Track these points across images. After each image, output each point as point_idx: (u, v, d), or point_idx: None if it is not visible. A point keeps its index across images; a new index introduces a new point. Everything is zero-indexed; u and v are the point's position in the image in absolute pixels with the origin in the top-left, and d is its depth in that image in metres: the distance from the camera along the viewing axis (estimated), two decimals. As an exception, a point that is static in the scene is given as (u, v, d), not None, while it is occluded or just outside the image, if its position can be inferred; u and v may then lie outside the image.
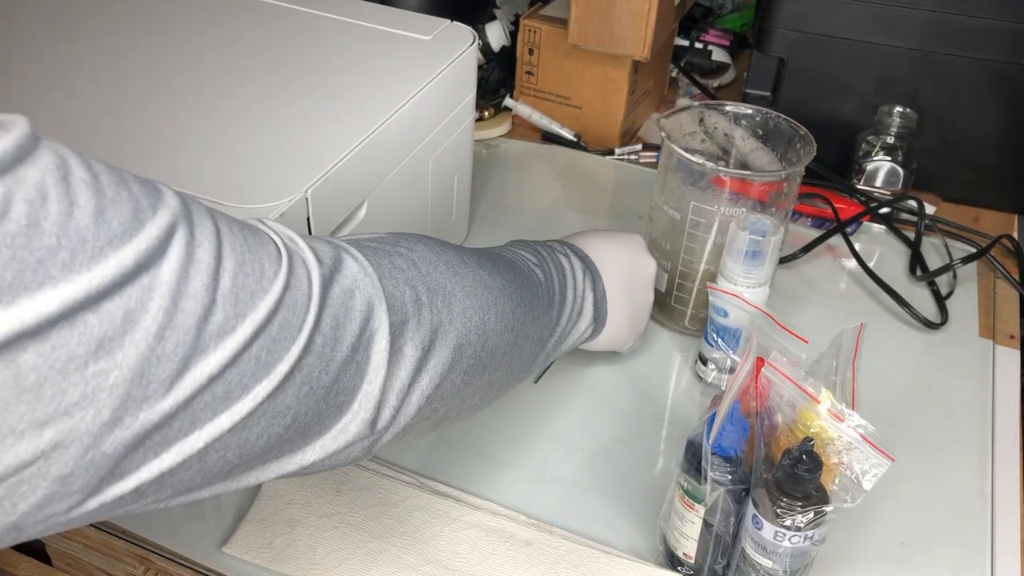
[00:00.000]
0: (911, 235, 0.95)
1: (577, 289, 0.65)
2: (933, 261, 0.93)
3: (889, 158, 0.97)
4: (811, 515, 0.54)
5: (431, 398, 0.47)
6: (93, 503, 0.33)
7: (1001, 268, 0.92)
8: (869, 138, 0.97)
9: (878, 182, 0.98)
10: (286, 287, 0.38)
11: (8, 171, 0.30)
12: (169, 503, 0.38)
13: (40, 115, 0.64)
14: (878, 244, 0.96)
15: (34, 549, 0.68)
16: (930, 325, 0.85)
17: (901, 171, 0.97)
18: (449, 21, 0.82)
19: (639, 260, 0.73)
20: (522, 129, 1.11)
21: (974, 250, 0.93)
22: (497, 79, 1.12)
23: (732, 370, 0.73)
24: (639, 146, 1.09)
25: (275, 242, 0.40)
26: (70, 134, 0.62)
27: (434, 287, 0.48)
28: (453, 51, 0.77)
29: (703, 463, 0.56)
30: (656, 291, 0.83)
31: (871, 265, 0.91)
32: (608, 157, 1.08)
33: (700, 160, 0.74)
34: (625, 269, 0.71)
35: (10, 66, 0.70)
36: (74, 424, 0.31)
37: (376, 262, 0.45)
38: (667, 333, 0.84)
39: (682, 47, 1.23)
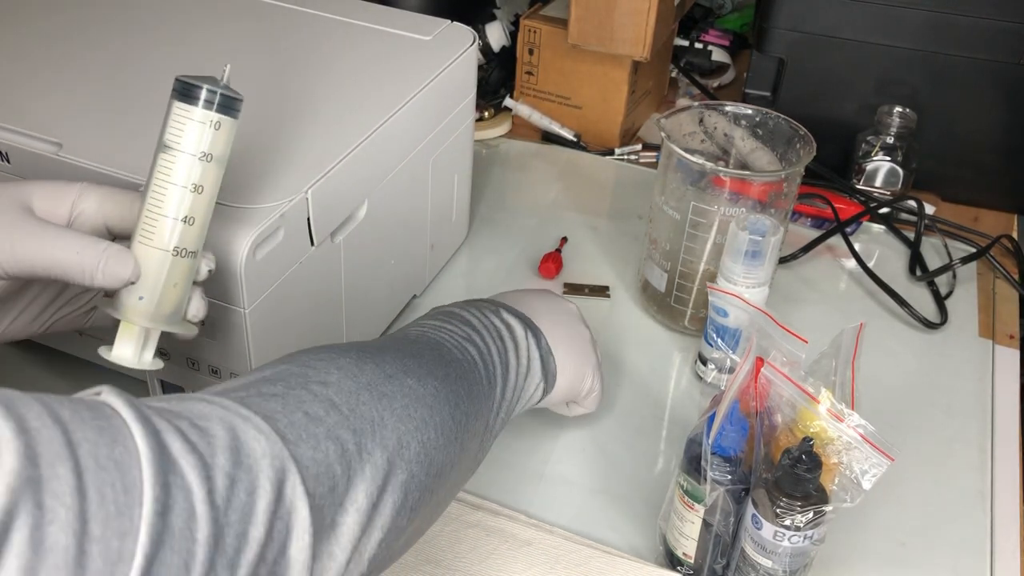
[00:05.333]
0: (911, 235, 0.95)
1: (520, 350, 0.60)
2: (933, 261, 0.93)
3: (889, 158, 0.97)
4: (811, 515, 0.54)
5: (375, 557, 0.42)
6: None
7: (1001, 268, 0.92)
8: (869, 138, 0.97)
9: (878, 182, 0.98)
10: (161, 538, 0.30)
11: None
12: None
13: (39, 114, 0.64)
14: (878, 244, 0.96)
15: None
16: (930, 325, 0.85)
17: (901, 171, 0.97)
18: (449, 21, 0.82)
19: (557, 303, 0.67)
20: (522, 129, 1.11)
21: (974, 250, 0.93)
22: (497, 79, 1.12)
23: (732, 370, 0.73)
24: (639, 146, 1.09)
25: (143, 458, 0.32)
26: (68, 134, 0.62)
27: (361, 427, 0.42)
28: (453, 51, 0.77)
29: (703, 463, 0.56)
30: (656, 291, 0.83)
31: (871, 265, 0.91)
32: (608, 157, 1.08)
33: (700, 160, 0.74)
34: (550, 311, 0.65)
35: (10, 65, 0.70)
36: None
37: (288, 423, 0.39)
38: (667, 333, 0.84)
39: (682, 47, 1.23)
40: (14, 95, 0.67)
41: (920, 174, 0.98)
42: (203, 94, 0.47)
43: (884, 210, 0.97)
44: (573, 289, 0.88)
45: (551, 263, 0.89)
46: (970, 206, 1.01)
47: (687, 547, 0.60)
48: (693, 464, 0.57)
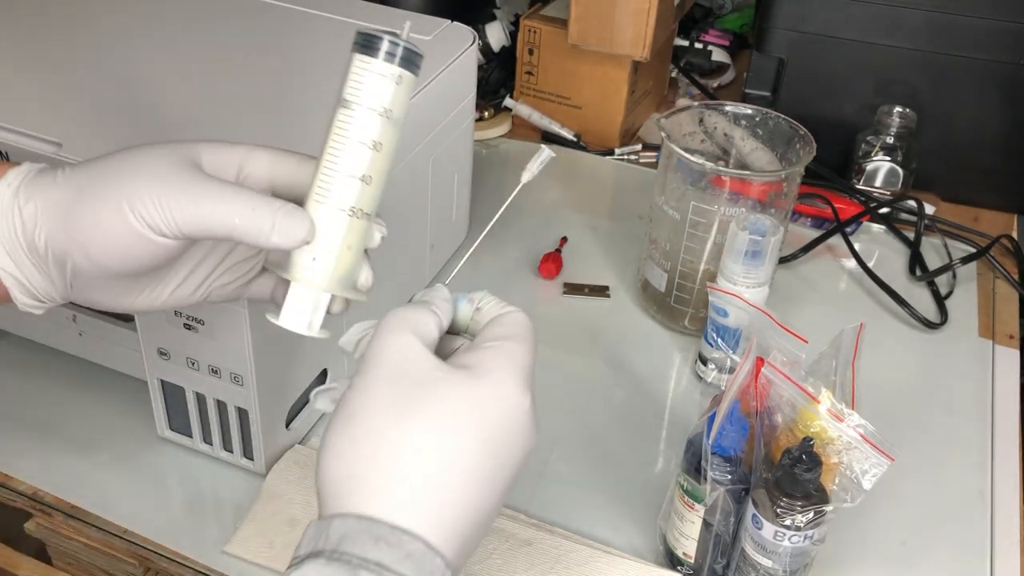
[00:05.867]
0: (911, 235, 0.95)
1: None
2: (933, 261, 0.93)
3: (889, 158, 0.97)
4: (811, 515, 0.54)
5: None
6: None
7: (1001, 268, 0.92)
8: (869, 138, 0.97)
9: (878, 182, 0.98)
10: None
11: None
12: None
13: (38, 114, 0.64)
14: (878, 244, 0.96)
15: (35, 549, 0.68)
16: (930, 325, 0.85)
17: (901, 171, 0.97)
18: (449, 21, 0.82)
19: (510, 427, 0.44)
20: (522, 129, 1.11)
21: (974, 250, 0.93)
22: (497, 79, 1.12)
23: (732, 370, 0.73)
24: (639, 146, 1.09)
25: None
26: (67, 133, 0.62)
27: None
28: (453, 51, 0.77)
29: (703, 463, 0.56)
30: (656, 291, 0.83)
31: (871, 265, 0.91)
32: (608, 157, 1.08)
33: (700, 160, 0.74)
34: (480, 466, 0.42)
35: (9, 65, 0.70)
36: None
37: None
38: (667, 333, 0.84)
39: (682, 47, 1.23)
40: (13, 95, 0.67)
41: (920, 174, 0.98)
42: (384, 45, 0.44)
43: (884, 210, 0.97)
44: (573, 289, 0.88)
45: (551, 263, 0.89)
46: (970, 206, 1.01)
47: (687, 547, 0.60)
48: (693, 464, 0.57)
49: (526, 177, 0.51)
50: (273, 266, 0.47)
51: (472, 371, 0.43)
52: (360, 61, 0.44)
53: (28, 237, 0.45)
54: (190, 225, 0.44)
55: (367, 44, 0.44)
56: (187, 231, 0.44)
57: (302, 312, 0.46)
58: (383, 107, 0.44)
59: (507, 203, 0.51)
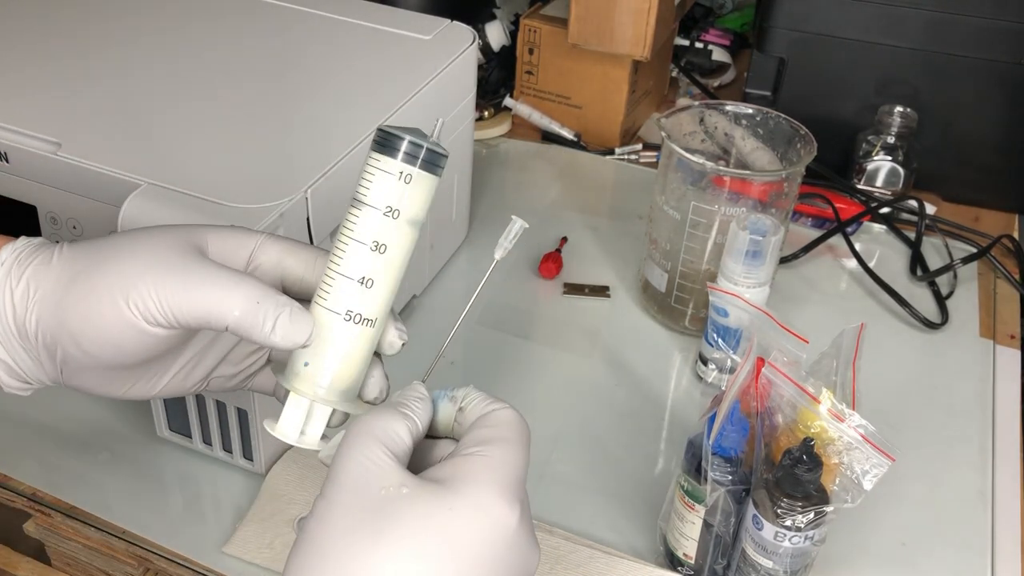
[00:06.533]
0: (911, 235, 0.95)
1: None
2: (933, 261, 0.93)
3: (889, 158, 0.96)
4: (811, 515, 0.54)
5: None
6: None
7: (1001, 268, 0.92)
8: (869, 138, 0.97)
9: (878, 182, 0.98)
10: None
11: None
12: None
13: (38, 114, 0.64)
14: (878, 244, 0.96)
15: (34, 549, 0.68)
16: (931, 325, 0.85)
17: (901, 171, 0.97)
18: (449, 21, 0.82)
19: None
20: (522, 129, 1.11)
21: (974, 250, 0.93)
22: (497, 79, 1.12)
23: (732, 370, 0.73)
24: (639, 146, 1.09)
25: None
26: (68, 134, 0.62)
27: None
28: (453, 51, 0.77)
29: (703, 463, 0.56)
30: (656, 291, 0.83)
31: (871, 265, 0.91)
32: (608, 157, 1.08)
33: (700, 160, 0.74)
34: None
35: (8, 65, 0.70)
36: None
37: None
38: (667, 333, 0.84)
39: (682, 47, 1.23)
40: (13, 94, 0.67)
41: (921, 174, 0.98)
42: (398, 144, 0.41)
43: (885, 210, 0.97)
44: (573, 289, 0.88)
45: (551, 263, 0.89)
46: (971, 206, 1.01)
47: (687, 548, 0.60)
48: (694, 464, 0.57)
49: (499, 254, 0.47)
50: (273, 365, 0.44)
51: (445, 485, 0.37)
52: (371, 158, 0.42)
53: (19, 321, 0.42)
54: (185, 314, 0.41)
55: (381, 141, 0.42)
56: (182, 320, 0.41)
57: (294, 421, 0.43)
58: (388, 206, 0.41)
59: (482, 283, 0.47)
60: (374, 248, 0.42)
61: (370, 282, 0.42)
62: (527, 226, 0.46)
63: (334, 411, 0.44)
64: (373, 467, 0.37)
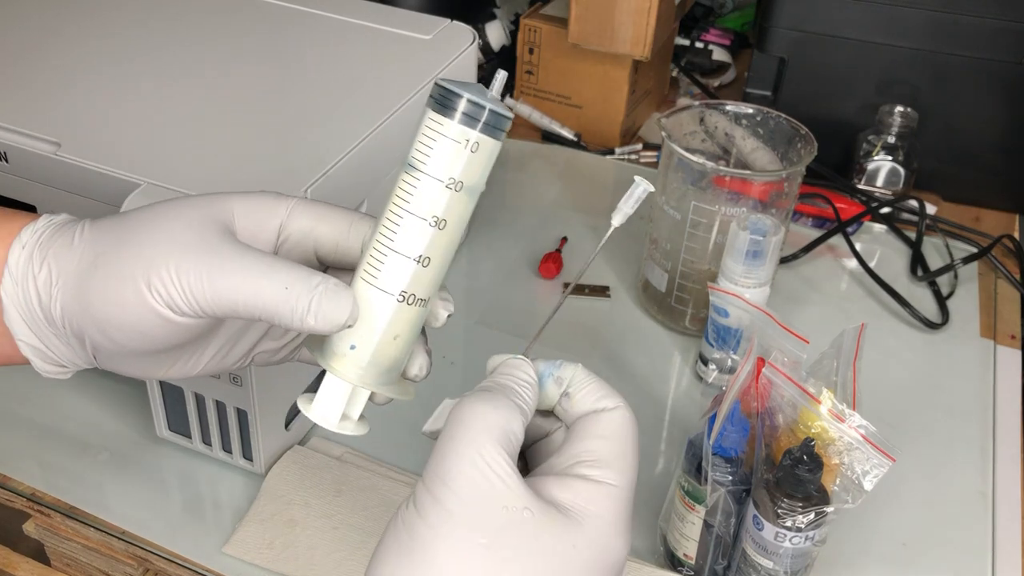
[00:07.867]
0: (912, 235, 0.95)
1: None
2: (934, 261, 0.93)
3: (890, 158, 0.96)
4: (812, 516, 0.54)
5: None
6: None
7: (1002, 268, 0.92)
8: (870, 138, 0.97)
9: (879, 182, 0.98)
10: None
11: None
12: None
13: (38, 114, 0.64)
14: (879, 244, 0.96)
15: (33, 550, 0.68)
16: (931, 325, 0.85)
17: (902, 171, 0.97)
18: (449, 20, 0.81)
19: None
20: (522, 129, 1.11)
21: (975, 250, 0.93)
22: (497, 79, 1.12)
23: (733, 370, 0.73)
24: (639, 146, 1.09)
25: None
26: (68, 134, 0.62)
27: None
28: (453, 51, 0.77)
29: (704, 464, 0.56)
30: (656, 291, 0.83)
31: (872, 265, 0.91)
32: (608, 157, 1.07)
33: (701, 160, 0.74)
34: None
35: (8, 64, 0.70)
36: None
37: None
38: (667, 333, 0.84)
39: (682, 46, 1.23)
40: (13, 94, 0.67)
41: (921, 174, 0.98)
42: (462, 106, 0.37)
43: (885, 210, 0.97)
44: (573, 289, 0.88)
45: (551, 263, 0.88)
46: (971, 206, 1.01)
47: (688, 548, 0.60)
48: (694, 465, 0.57)
49: (617, 220, 0.42)
50: (310, 346, 0.41)
51: (569, 516, 0.36)
52: (431, 120, 0.38)
53: (45, 309, 0.41)
54: (212, 305, 0.38)
55: (443, 101, 0.37)
56: (209, 311, 0.39)
57: (333, 405, 0.40)
58: (451, 178, 0.38)
59: (598, 249, 0.44)
60: (434, 224, 0.38)
61: (427, 260, 0.39)
62: (652, 189, 0.42)
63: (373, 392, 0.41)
64: (496, 480, 0.35)
